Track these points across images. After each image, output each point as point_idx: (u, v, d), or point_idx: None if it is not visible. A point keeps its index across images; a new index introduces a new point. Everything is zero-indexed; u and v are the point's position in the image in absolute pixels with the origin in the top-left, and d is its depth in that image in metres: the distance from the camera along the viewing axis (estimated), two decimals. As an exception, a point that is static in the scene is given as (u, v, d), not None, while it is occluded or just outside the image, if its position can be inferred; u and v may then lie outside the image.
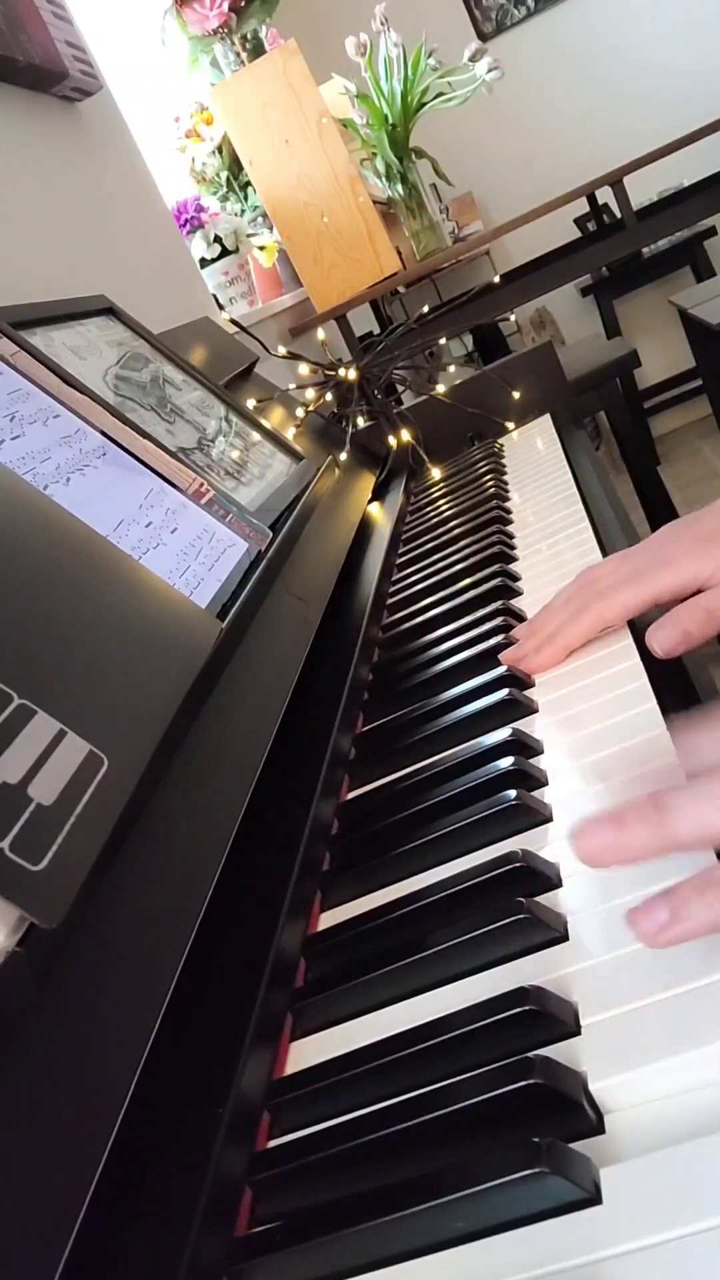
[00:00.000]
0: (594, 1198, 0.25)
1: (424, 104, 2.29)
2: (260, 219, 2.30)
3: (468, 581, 0.70)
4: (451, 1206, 0.26)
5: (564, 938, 0.34)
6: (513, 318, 3.35)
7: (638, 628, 0.52)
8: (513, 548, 0.74)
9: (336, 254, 2.22)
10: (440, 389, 1.14)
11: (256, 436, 0.87)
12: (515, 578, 0.67)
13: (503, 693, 0.51)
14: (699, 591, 0.47)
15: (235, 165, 2.23)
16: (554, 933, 0.34)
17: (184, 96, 2.25)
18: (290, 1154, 0.31)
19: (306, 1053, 0.36)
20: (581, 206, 2.73)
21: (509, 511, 0.83)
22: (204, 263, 1.88)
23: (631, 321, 3.56)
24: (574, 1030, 0.30)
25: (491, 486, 0.89)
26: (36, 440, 0.56)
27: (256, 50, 2.17)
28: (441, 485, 1.02)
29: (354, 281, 2.24)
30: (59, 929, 0.30)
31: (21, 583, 0.41)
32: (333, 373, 1.12)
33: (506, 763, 0.44)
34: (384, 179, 2.38)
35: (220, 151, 2.21)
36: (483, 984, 0.34)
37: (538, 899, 0.35)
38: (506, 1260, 0.25)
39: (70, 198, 1.12)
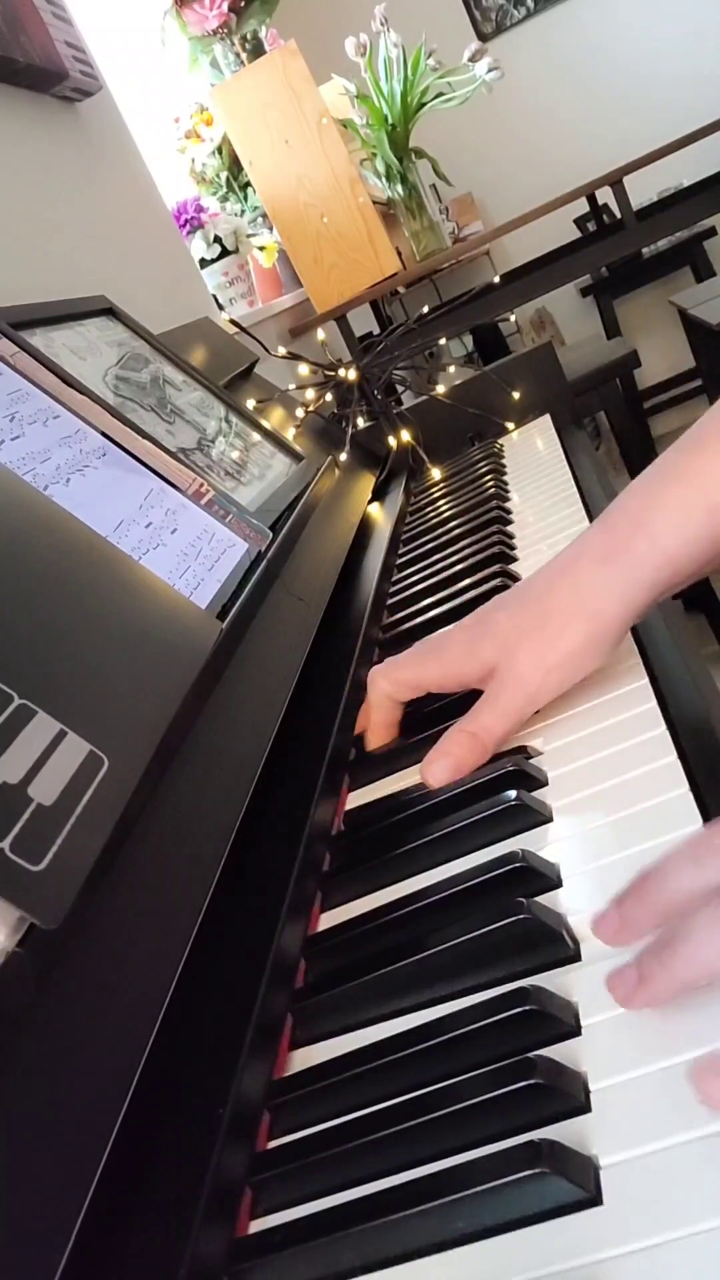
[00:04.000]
0: (595, 1198, 0.25)
1: (424, 104, 2.29)
2: (260, 219, 2.30)
3: (468, 582, 0.70)
4: (452, 1207, 0.26)
5: (564, 938, 0.34)
6: (513, 318, 3.35)
7: (638, 630, 0.52)
8: (513, 548, 0.74)
9: (336, 254, 2.22)
10: (440, 389, 1.14)
11: (256, 437, 0.87)
12: (515, 578, 0.67)
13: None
14: (474, 691, 0.50)
15: (235, 166, 2.23)
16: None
17: (184, 97, 2.25)
18: (291, 1154, 0.31)
19: (307, 1053, 0.36)
20: (581, 206, 2.73)
21: (509, 512, 0.83)
22: (204, 263, 1.88)
23: (631, 321, 3.56)
24: (575, 1030, 0.30)
25: (491, 487, 0.89)
26: (36, 441, 0.56)
27: (256, 51, 2.17)
28: (441, 485, 1.02)
29: (354, 282, 2.24)
30: (59, 929, 0.30)
31: (22, 583, 0.41)
32: (333, 373, 1.12)
33: (506, 763, 0.44)
34: (384, 179, 2.38)
35: (220, 152, 2.21)
36: (483, 984, 0.34)
37: (538, 899, 0.35)
38: (507, 1261, 0.25)
39: (70, 198, 1.12)
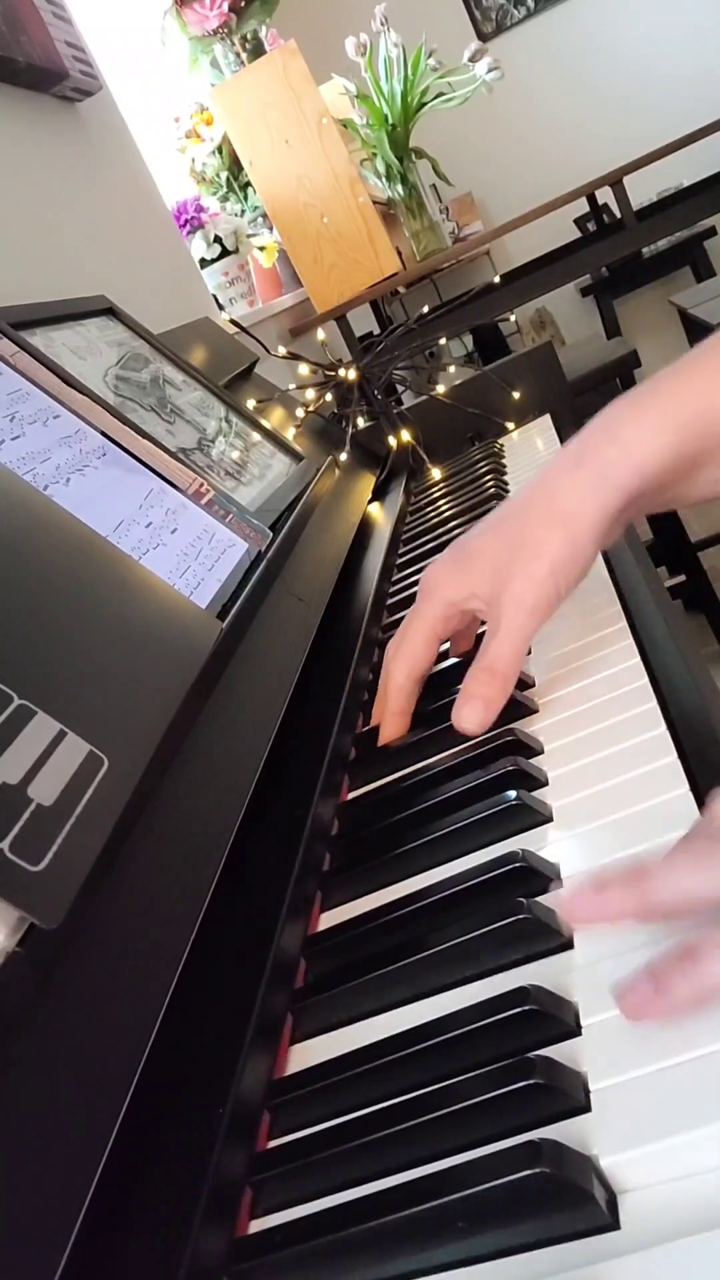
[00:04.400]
0: (592, 1198, 0.25)
1: (424, 104, 2.29)
2: (260, 219, 2.30)
3: (468, 581, 0.70)
4: (452, 1207, 0.26)
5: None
6: (513, 318, 3.35)
7: (638, 630, 0.52)
8: (513, 548, 0.74)
9: (336, 254, 2.22)
10: (440, 389, 1.14)
11: (256, 437, 0.87)
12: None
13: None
14: (473, 617, 0.52)
15: (235, 165, 2.23)
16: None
17: (184, 97, 2.25)
18: (290, 1154, 0.31)
19: (307, 1053, 0.36)
20: (581, 206, 2.73)
21: (509, 511, 0.83)
22: (204, 263, 1.88)
23: (631, 321, 3.56)
24: (575, 1030, 0.30)
25: (491, 487, 0.89)
26: (36, 440, 0.56)
27: (256, 51, 2.17)
28: (441, 485, 1.02)
29: (354, 282, 2.24)
30: (59, 929, 0.30)
31: (22, 583, 0.41)
32: (333, 373, 1.12)
33: (506, 763, 0.44)
34: (384, 179, 2.38)
35: (220, 152, 2.21)
36: (483, 984, 0.34)
37: (538, 899, 0.35)
38: (507, 1262, 0.25)
39: (70, 198, 1.12)
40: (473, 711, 0.46)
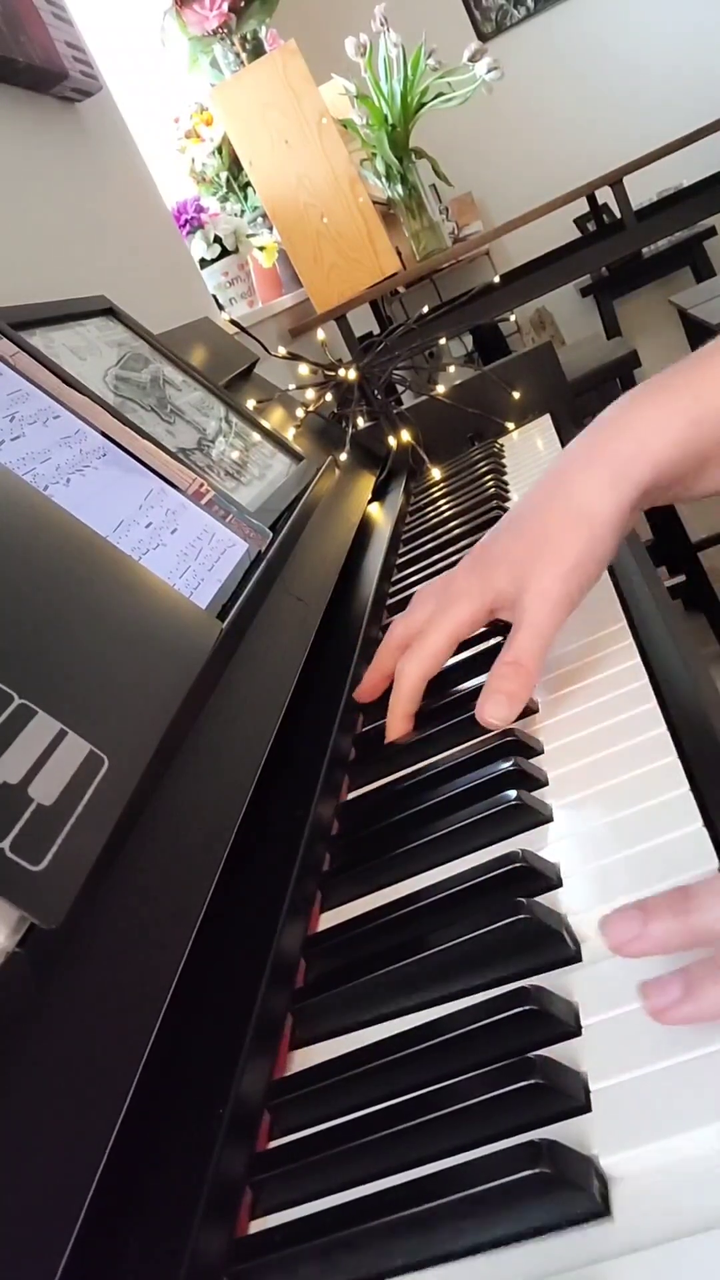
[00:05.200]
0: (592, 1198, 0.25)
1: (424, 104, 2.29)
2: (260, 219, 2.30)
3: (468, 581, 0.70)
4: (452, 1207, 0.26)
5: (564, 938, 0.34)
6: (513, 318, 3.35)
7: (638, 630, 0.52)
8: (513, 548, 0.74)
9: (336, 254, 2.22)
10: (440, 389, 1.14)
11: (256, 437, 0.87)
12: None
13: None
14: (494, 619, 0.51)
15: (235, 166, 2.23)
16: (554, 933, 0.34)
17: (184, 97, 2.25)
18: (291, 1154, 0.31)
19: (307, 1053, 0.36)
20: (581, 206, 2.72)
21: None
22: (204, 263, 1.88)
23: (631, 321, 3.56)
24: (574, 1030, 0.30)
25: (491, 486, 0.89)
26: (36, 441, 0.56)
27: (256, 51, 2.17)
28: (441, 485, 1.02)
29: (354, 282, 2.24)
30: (59, 929, 0.30)
31: (22, 583, 0.41)
32: (333, 373, 1.12)
33: (506, 763, 0.44)
34: (384, 179, 2.38)
35: (220, 152, 2.21)
36: (483, 984, 0.34)
37: (538, 899, 0.35)
38: (507, 1262, 0.25)
39: (70, 198, 1.12)
40: (498, 706, 0.47)
